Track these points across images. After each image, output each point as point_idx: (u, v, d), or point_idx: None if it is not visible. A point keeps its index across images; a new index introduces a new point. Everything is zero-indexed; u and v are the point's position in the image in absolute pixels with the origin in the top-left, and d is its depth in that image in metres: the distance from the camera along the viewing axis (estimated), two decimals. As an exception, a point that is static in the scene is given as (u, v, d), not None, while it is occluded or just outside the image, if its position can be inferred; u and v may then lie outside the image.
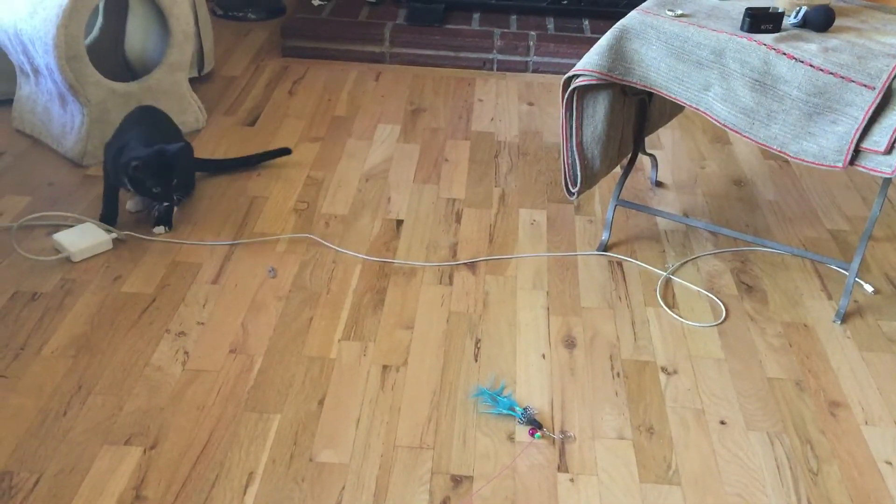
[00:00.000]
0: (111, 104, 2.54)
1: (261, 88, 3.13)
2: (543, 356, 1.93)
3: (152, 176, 2.14)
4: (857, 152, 1.81)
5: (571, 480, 1.63)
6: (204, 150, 2.70)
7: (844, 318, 2.07)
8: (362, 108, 3.02)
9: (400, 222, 2.39)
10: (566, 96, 2.02)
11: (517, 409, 1.76)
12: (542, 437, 1.71)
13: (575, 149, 2.07)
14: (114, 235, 2.22)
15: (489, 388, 1.82)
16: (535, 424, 1.73)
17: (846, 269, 2.07)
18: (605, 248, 2.30)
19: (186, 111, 2.76)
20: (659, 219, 2.44)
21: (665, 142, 2.86)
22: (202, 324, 1.98)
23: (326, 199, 2.48)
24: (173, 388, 1.80)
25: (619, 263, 2.25)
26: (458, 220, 2.42)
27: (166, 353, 1.89)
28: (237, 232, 2.32)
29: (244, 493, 1.57)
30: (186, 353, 1.89)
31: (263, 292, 2.09)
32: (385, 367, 1.88)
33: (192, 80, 2.88)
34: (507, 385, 1.84)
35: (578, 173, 2.11)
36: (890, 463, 1.68)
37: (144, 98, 2.61)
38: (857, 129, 1.78)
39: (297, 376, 1.84)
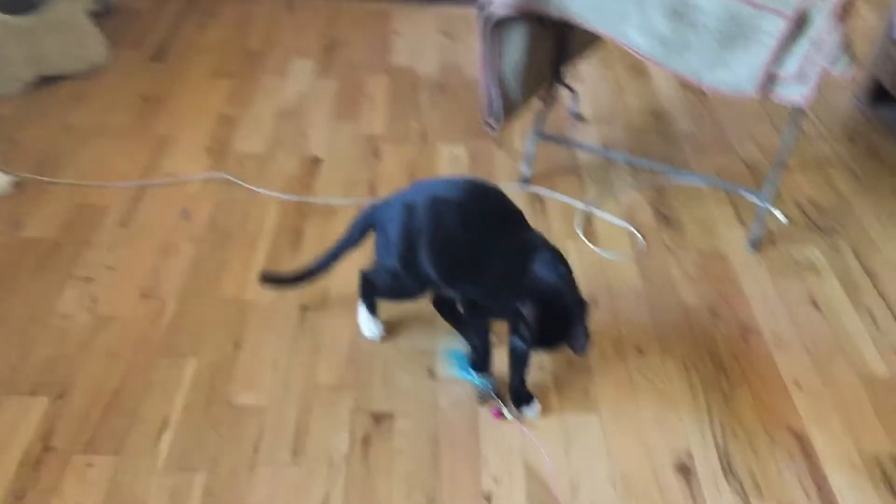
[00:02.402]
0: (6, 38, 2.38)
1: (169, 22, 2.98)
2: (464, 292, 1.92)
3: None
4: (769, 80, 1.82)
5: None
6: (108, 87, 2.57)
7: (757, 246, 2.11)
8: (276, 43, 2.91)
9: (317, 160, 2.33)
10: (483, 28, 1.97)
11: (483, 380, 1.68)
12: (505, 417, 1.62)
13: (493, 80, 2.03)
14: (12, 178, 2.10)
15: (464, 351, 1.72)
16: (493, 397, 1.65)
17: (759, 198, 2.11)
18: (526, 181, 2.29)
19: (87, 46, 2.61)
20: (579, 151, 2.43)
21: (585, 74, 2.84)
22: (111, 268, 1.90)
23: (240, 138, 2.40)
24: (81, 335, 1.73)
25: (540, 197, 2.25)
26: (378, 156, 2.37)
27: (72, 300, 1.81)
28: (146, 173, 2.22)
29: (159, 440, 1.53)
30: (94, 299, 1.82)
31: (175, 234, 2.02)
32: (303, 307, 1.84)
33: (95, 17, 2.72)
34: (427, 322, 1.83)
35: (497, 106, 2.08)
36: (798, 384, 1.74)
37: (40, 33, 2.45)
38: (770, 57, 1.78)
39: (213, 319, 1.79)
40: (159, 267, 1.92)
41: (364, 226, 1.68)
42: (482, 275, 1.55)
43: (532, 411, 1.63)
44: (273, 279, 1.81)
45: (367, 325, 1.77)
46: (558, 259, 1.54)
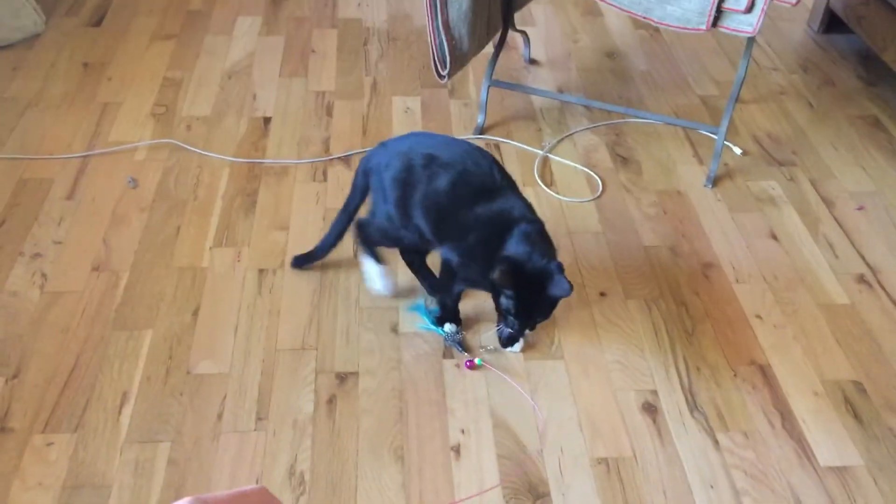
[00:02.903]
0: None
1: (105, -15, 2.87)
2: (424, 245, 1.90)
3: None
4: (719, 13, 1.79)
5: (457, 366, 1.63)
6: (46, 56, 2.48)
7: (715, 181, 2.11)
8: (219, 1, 2.82)
9: (268, 120, 2.27)
10: (427, -28, 1.91)
11: (450, 331, 1.67)
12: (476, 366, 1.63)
13: (441, 28, 1.98)
14: (-50, 156, 2.03)
15: (427, 305, 1.74)
16: (459, 347, 1.65)
17: (716, 134, 2.10)
18: (482, 130, 2.26)
19: (21, 14, 2.51)
20: (534, 97, 2.40)
21: (537, 18, 2.80)
22: (59, 243, 1.85)
23: (186, 101, 2.33)
24: (32, 313, 1.68)
25: (497, 145, 2.22)
26: (330, 113, 2.31)
27: (22, 278, 1.76)
28: (90, 142, 2.15)
29: (119, 414, 1.50)
30: (44, 275, 1.77)
31: (124, 204, 1.96)
32: (261, 270, 1.81)
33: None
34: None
35: (447, 54, 2.03)
36: (759, 316, 1.75)
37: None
38: (719, -11, 1.75)
39: (168, 289, 1.76)
40: (109, 238, 1.87)
41: (364, 172, 1.66)
42: (464, 240, 1.55)
43: (516, 348, 1.65)
44: (303, 260, 1.80)
45: (376, 278, 1.72)
46: (530, 235, 1.51)
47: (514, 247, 1.50)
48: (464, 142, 1.63)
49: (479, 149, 1.61)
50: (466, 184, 1.54)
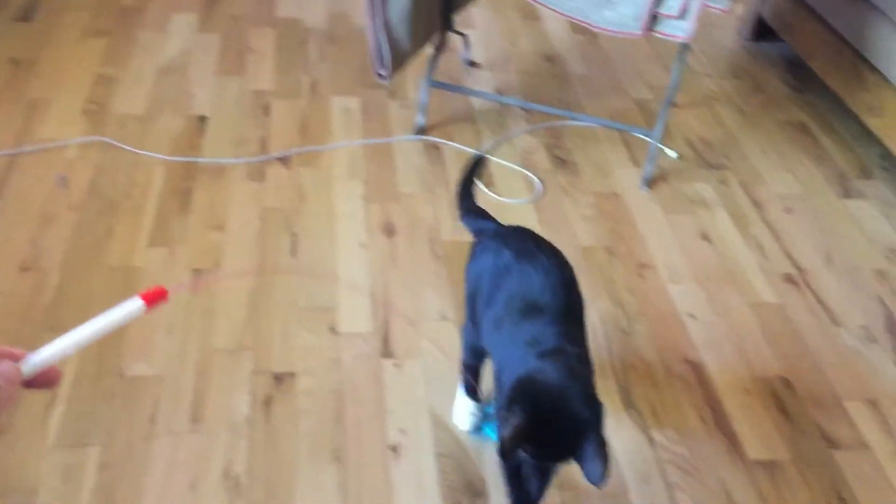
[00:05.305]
0: None
1: (34, -22, 2.80)
2: (363, 245, 1.89)
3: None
4: (654, 18, 1.83)
5: (396, 366, 1.63)
6: (-29, 50, 2.40)
7: (650, 184, 2.15)
8: (154, -3, 2.77)
9: (203, 118, 2.24)
10: (366, -28, 1.91)
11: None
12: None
13: (381, 29, 1.98)
14: None
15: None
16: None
17: (650, 138, 2.14)
18: (421, 131, 2.26)
19: (-56, 6, 2.43)
20: (474, 99, 2.41)
21: (477, 20, 2.81)
22: (-16, 243, 1.79)
23: (120, 99, 2.28)
24: (-45, 315, 1.63)
25: (436, 146, 2.22)
26: (267, 112, 2.29)
27: (-57, 279, 1.70)
28: (18, 140, 2.09)
29: (47, 418, 1.46)
30: (-32, 276, 1.71)
31: (54, 203, 1.91)
32: (196, 270, 1.78)
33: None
34: (329, 279, 1.79)
35: (386, 55, 2.03)
36: (692, 315, 1.79)
37: None
38: (653, -5, 1.79)
39: (100, 289, 1.71)
40: (38, 238, 1.81)
41: None
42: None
43: None
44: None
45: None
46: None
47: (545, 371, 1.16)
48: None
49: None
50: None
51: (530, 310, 1.24)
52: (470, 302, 1.37)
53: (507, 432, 1.08)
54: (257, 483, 1.40)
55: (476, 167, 1.52)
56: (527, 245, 1.34)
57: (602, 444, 1.08)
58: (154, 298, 0.75)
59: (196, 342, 1.62)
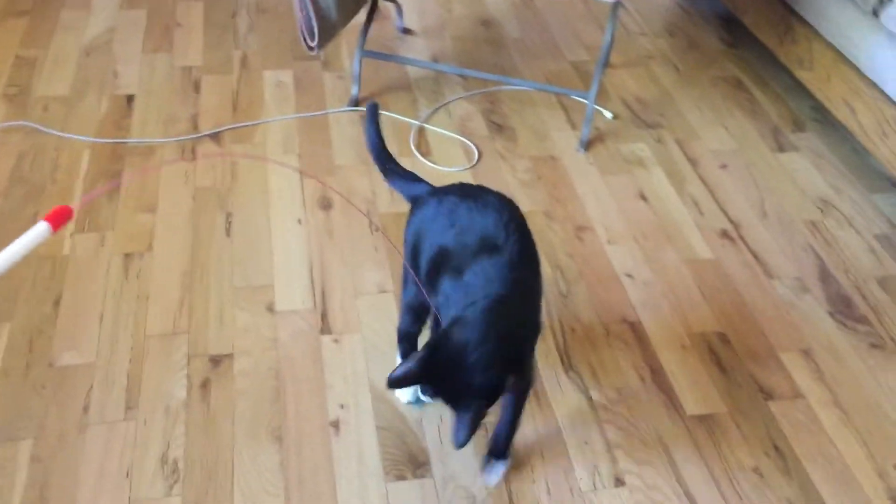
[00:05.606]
0: None
1: (-53, -42, 2.68)
2: (299, 221, 1.87)
3: None
4: (580, -21, 1.81)
5: (335, 341, 1.61)
6: None
7: (587, 146, 2.15)
8: (75, -26, 2.67)
9: (131, 97, 2.18)
10: (288, -60, 1.86)
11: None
12: None
13: (308, 0, 1.94)
14: None
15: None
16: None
17: (586, 99, 2.14)
18: (356, 103, 2.23)
19: None
20: (409, 67, 2.38)
21: (410, -13, 2.77)
22: None
23: (42, 80, 2.21)
24: None
25: (372, 117, 2.19)
26: (197, 89, 2.24)
27: None
28: (-65, 128, 2.02)
29: (-25, 414, 1.42)
30: None
31: (-25, 192, 1.85)
32: (127, 255, 1.74)
33: None
34: (264, 257, 1.77)
35: (315, 25, 1.99)
36: (630, 275, 1.80)
37: None
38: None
39: (26, 279, 1.67)
40: (-40, 229, 1.76)
41: None
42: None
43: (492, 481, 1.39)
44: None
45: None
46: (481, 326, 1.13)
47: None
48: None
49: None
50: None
51: (484, 248, 1.20)
52: (410, 261, 1.33)
53: (396, 373, 1.11)
54: (196, 467, 1.38)
55: (375, 119, 1.43)
56: (472, 189, 1.32)
57: (477, 415, 1.10)
58: (59, 218, 0.74)
59: (128, 328, 1.59)
